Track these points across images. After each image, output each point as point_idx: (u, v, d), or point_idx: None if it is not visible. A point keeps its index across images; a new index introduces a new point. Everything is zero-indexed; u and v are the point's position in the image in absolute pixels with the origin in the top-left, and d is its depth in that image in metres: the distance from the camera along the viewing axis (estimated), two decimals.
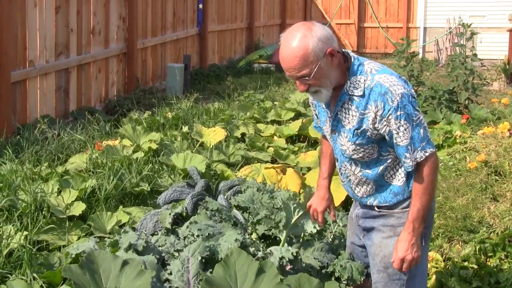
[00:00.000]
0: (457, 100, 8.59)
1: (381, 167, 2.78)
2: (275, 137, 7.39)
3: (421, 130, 2.62)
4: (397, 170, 2.78)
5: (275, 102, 9.50)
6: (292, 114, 8.34)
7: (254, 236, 3.83)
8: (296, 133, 7.47)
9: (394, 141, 2.66)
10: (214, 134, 6.76)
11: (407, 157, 2.64)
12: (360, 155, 2.78)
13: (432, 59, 16.53)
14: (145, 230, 4.24)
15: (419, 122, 2.62)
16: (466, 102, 8.58)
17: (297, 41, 2.59)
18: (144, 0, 10.39)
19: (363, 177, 2.84)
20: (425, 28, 17.69)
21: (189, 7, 12.36)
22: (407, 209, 2.75)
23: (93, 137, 6.75)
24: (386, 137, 2.68)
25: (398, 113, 2.59)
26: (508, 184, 4.85)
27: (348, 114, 2.73)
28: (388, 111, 2.61)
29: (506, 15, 16.50)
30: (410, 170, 2.69)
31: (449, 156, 6.22)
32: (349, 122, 2.74)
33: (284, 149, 6.91)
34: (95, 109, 8.56)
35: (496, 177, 5.20)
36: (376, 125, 2.66)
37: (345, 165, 2.89)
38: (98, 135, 6.91)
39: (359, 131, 2.71)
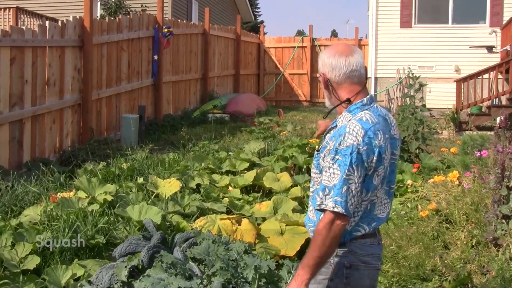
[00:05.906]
0: (408, 150, 8.78)
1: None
2: (230, 188, 7.42)
3: (345, 188, 2.62)
4: None
5: (229, 153, 9.50)
6: (246, 165, 8.38)
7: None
8: (251, 183, 7.52)
9: (320, 178, 2.74)
10: (169, 186, 6.77)
11: (320, 195, 2.67)
12: (313, 175, 2.89)
13: None
14: (100, 283, 4.22)
15: (348, 179, 2.63)
16: (417, 151, 8.76)
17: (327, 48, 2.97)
18: (99, 51, 10.45)
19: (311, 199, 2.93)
20: (376, 78, 18.12)
21: (144, 58, 12.45)
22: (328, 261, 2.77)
23: (47, 189, 6.69)
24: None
25: (336, 156, 2.66)
26: (458, 232, 4.97)
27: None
28: (331, 150, 2.70)
29: (453, 65, 17.07)
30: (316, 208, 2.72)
31: (401, 205, 6.34)
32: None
33: (239, 199, 6.95)
34: (49, 160, 8.49)
35: (447, 225, 5.33)
36: (324, 157, 2.76)
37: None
38: (53, 186, 6.84)
39: (317, 153, 2.85)
